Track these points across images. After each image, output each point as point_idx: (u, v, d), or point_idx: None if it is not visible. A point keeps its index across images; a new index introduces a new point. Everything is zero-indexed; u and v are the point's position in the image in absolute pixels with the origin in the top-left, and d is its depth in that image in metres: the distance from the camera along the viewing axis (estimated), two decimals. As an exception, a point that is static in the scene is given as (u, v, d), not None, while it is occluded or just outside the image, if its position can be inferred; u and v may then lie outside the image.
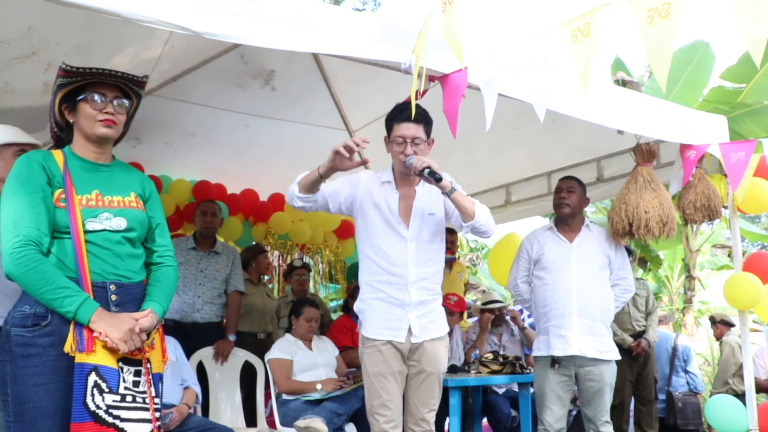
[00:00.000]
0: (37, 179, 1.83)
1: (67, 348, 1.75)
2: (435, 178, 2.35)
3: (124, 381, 1.81)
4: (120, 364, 1.81)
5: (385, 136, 2.60)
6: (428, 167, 2.36)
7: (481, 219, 2.46)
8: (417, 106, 2.45)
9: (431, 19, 2.25)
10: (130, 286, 1.93)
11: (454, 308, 4.30)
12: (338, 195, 2.53)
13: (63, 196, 1.85)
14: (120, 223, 1.92)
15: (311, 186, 2.41)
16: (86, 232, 1.85)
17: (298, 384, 3.64)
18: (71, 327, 1.76)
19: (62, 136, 2.03)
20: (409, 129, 2.46)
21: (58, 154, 1.93)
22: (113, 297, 1.87)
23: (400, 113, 2.50)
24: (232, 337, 3.96)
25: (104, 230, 1.88)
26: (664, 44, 1.62)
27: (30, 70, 2.68)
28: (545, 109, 2.28)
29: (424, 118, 2.51)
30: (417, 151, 2.46)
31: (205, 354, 3.80)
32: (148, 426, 1.82)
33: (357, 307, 2.60)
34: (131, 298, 1.92)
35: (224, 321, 4.14)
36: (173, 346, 3.39)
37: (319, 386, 3.58)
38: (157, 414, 1.87)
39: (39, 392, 1.73)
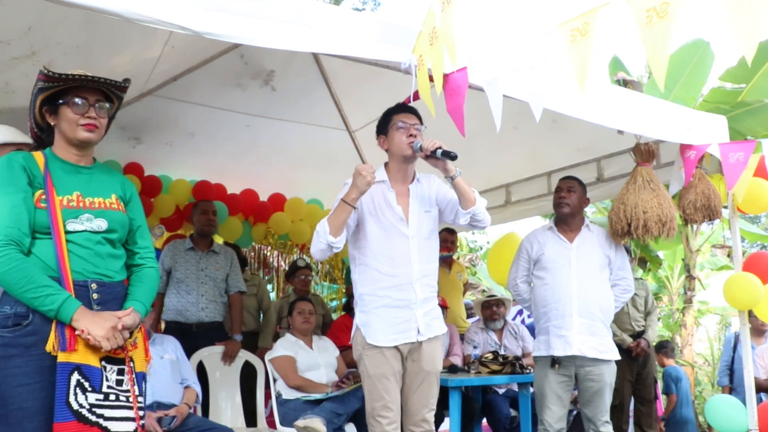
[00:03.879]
0: (18, 180, 1.84)
1: (49, 347, 1.75)
2: (450, 156, 2.38)
3: (107, 380, 1.81)
4: (103, 363, 1.81)
5: (380, 135, 2.62)
6: (440, 147, 2.40)
7: (481, 207, 2.55)
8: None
9: (432, 19, 2.25)
10: (112, 285, 1.93)
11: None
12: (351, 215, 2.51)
13: (44, 197, 1.86)
14: (101, 224, 1.92)
15: (344, 223, 2.41)
16: (67, 232, 1.85)
17: (307, 380, 3.63)
18: (53, 326, 1.77)
19: (43, 138, 2.03)
20: (409, 117, 2.56)
21: (39, 156, 1.93)
22: (95, 296, 1.87)
23: (400, 106, 2.61)
24: (238, 338, 3.98)
25: (85, 231, 1.89)
26: (662, 44, 1.63)
27: (30, 70, 2.67)
28: (541, 109, 2.28)
29: (419, 116, 2.60)
30: (418, 136, 2.53)
31: (206, 354, 3.80)
32: (132, 424, 1.83)
33: (360, 319, 2.55)
34: (113, 296, 1.93)
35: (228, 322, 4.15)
36: (174, 345, 3.40)
37: (330, 389, 3.58)
38: (141, 413, 1.87)
39: (23, 392, 1.73)
